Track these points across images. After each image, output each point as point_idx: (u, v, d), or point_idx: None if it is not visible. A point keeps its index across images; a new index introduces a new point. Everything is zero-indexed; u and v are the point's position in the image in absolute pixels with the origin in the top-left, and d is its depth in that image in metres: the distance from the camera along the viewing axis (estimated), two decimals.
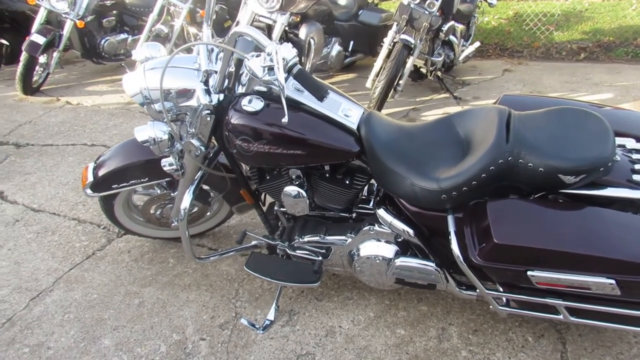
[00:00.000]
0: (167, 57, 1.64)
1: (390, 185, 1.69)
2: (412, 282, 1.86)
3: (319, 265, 1.94)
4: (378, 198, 1.87)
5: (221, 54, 1.67)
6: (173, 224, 2.20)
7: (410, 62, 3.66)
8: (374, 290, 2.17)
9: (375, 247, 1.84)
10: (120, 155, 2.13)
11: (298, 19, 3.92)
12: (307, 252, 2.00)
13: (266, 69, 1.46)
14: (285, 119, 1.44)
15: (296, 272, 1.96)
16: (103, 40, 4.95)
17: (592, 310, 1.57)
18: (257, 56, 1.53)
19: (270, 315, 2.05)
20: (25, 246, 2.59)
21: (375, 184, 1.91)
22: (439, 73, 4.33)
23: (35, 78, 4.77)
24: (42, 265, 2.44)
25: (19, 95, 4.76)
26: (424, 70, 4.26)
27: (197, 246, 2.54)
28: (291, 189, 1.82)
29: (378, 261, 1.84)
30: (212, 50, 1.76)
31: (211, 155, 1.92)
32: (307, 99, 1.67)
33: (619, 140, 1.68)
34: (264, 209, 2.12)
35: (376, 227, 1.83)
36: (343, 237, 1.91)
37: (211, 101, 1.71)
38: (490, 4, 4.95)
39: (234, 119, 1.66)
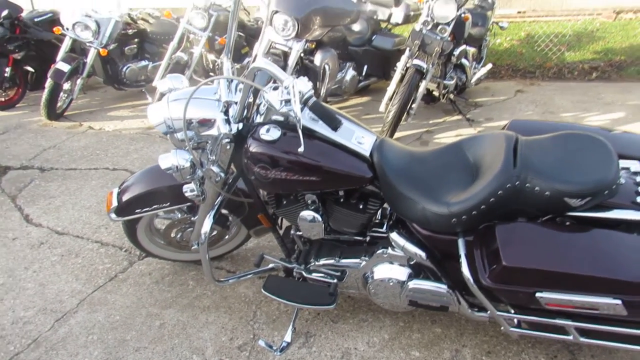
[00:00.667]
0: (191, 89, 1.74)
1: (402, 210, 1.75)
2: (425, 304, 1.91)
3: (334, 287, 2.00)
4: (391, 222, 1.93)
5: (240, 86, 1.76)
6: (193, 247, 2.28)
7: (422, 86, 3.74)
8: (389, 313, 2.21)
9: (388, 270, 1.89)
10: (143, 181, 2.23)
11: (313, 46, 4.04)
12: (322, 275, 2.05)
13: (283, 101, 1.55)
14: (301, 148, 1.52)
15: (312, 295, 2.02)
16: (125, 67, 5.12)
17: (601, 331, 1.60)
18: (274, 89, 1.62)
19: (287, 337, 2.10)
20: (50, 268, 2.69)
21: (389, 208, 1.97)
22: (451, 96, 4.40)
23: (59, 104, 4.95)
24: (66, 287, 2.53)
25: (43, 120, 4.94)
26: (436, 93, 4.34)
27: (216, 269, 2.61)
28: (307, 214, 1.89)
29: (392, 284, 1.89)
30: (232, 81, 1.86)
31: (230, 181, 2.00)
32: (321, 127, 1.75)
33: (624, 163, 1.72)
34: (281, 232, 2.19)
35: (389, 250, 1.89)
36: (357, 260, 1.96)
37: (231, 130, 1.79)
38: (501, 27, 5.04)
39: (253, 147, 1.74)
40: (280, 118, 1.79)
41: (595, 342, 1.66)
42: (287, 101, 1.56)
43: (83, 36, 4.62)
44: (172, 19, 5.11)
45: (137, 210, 2.21)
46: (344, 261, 1.99)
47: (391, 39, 4.71)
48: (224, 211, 2.31)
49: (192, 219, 2.32)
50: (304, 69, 4.08)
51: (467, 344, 2.05)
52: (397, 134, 4.00)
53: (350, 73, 4.59)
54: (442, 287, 1.82)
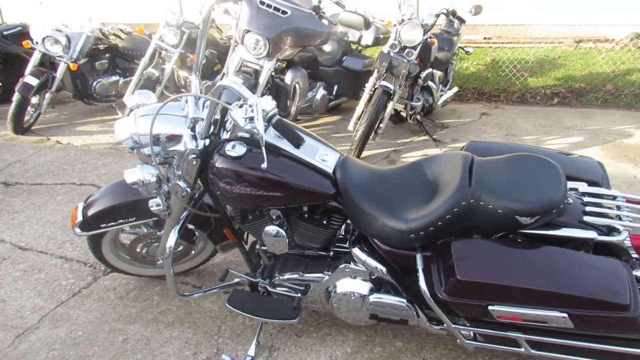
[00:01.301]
0: (158, 105, 1.77)
1: (363, 225, 1.81)
2: (386, 318, 1.96)
3: (297, 301, 2.03)
4: (353, 237, 1.98)
5: (207, 103, 1.81)
6: (159, 262, 2.28)
7: (390, 107, 3.85)
8: (352, 327, 2.26)
9: (350, 284, 1.94)
10: (109, 195, 2.23)
11: (284, 65, 4.12)
12: (287, 289, 2.09)
13: (247, 119, 1.60)
14: (264, 165, 1.57)
15: (276, 309, 2.05)
16: (95, 82, 5.10)
17: (550, 343, 1.68)
18: (240, 106, 1.68)
19: (251, 351, 2.11)
20: (12, 284, 2.64)
21: (352, 224, 2.03)
22: (418, 116, 4.53)
23: (26, 118, 4.87)
24: (28, 303, 2.49)
25: (9, 134, 4.86)
26: (404, 114, 4.46)
27: (181, 284, 2.61)
28: (271, 229, 1.94)
29: (353, 298, 1.94)
30: (199, 98, 1.90)
31: (197, 196, 2.03)
32: (286, 145, 1.80)
33: (573, 184, 1.84)
34: (247, 247, 2.22)
35: (351, 265, 1.94)
36: (320, 275, 2.01)
37: (197, 146, 1.83)
38: (467, 52, 5.24)
39: (219, 162, 1.78)
40: (246, 135, 1.84)
41: (546, 354, 1.74)
42: (251, 119, 1.61)
43: (53, 50, 4.59)
44: (144, 35, 5.12)
45: (102, 225, 2.21)
46: (308, 275, 2.03)
47: (361, 60, 4.83)
48: (190, 226, 2.32)
49: (158, 233, 2.33)
50: (275, 87, 4.15)
51: (427, 357, 2.10)
52: (365, 153, 4.09)
53: (320, 92, 4.68)
54: (401, 301, 1.87)
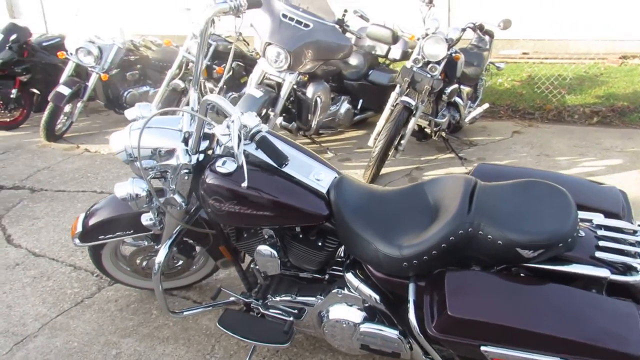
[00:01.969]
0: (146, 119, 1.74)
1: (356, 250, 1.71)
2: (377, 350, 1.84)
3: (289, 325, 1.94)
4: (348, 261, 1.88)
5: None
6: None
7: (412, 123, 3.73)
8: (349, 355, 2.14)
9: (343, 311, 1.83)
10: (109, 207, 2.22)
11: (306, 78, 4.07)
12: (280, 312, 2.00)
13: (229, 135, 1.54)
14: (244, 184, 1.50)
15: (266, 332, 1.96)
16: (126, 92, 5.20)
17: None
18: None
19: None
20: (20, 290, 2.67)
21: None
22: (443, 133, 4.38)
23: (59, 126, 5.02)
24: (32, 310, 2.51)
25: (42, 141, 5.01)
26: (428, 130, 4.32)
27: (182, 298, 2.57)
28: (263, 248, 1.86)
29: (345, 325, 1.83)
30: (190, 113, 1.86)
31: (192, 211, 1.99)
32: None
33: (588, 215, 1.67)
34: (244, 265, 2.15)
35: (344, 291, 1.83)
36: (313, 299, 1.91)
37: (190, 161, 1.79)
38: (498, 68, 5.05)
39: (209, 179, 1.73)
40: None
41: None
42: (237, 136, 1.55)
43: (85, 61, 4.72)
44: (172, 46, 5.20)
45: (100, 237, 2.20)
46: (300, 298, 1.94)
47: (388, 74, 4.73)
48: (189, 241, 2.28)
49: (156, 247, 2.30)
50: (297, 100, 4.11)
51: None
52: (386, 169, 3.98)
53: (345, 106, 4.60)
54: (393, 333, 1.75)
